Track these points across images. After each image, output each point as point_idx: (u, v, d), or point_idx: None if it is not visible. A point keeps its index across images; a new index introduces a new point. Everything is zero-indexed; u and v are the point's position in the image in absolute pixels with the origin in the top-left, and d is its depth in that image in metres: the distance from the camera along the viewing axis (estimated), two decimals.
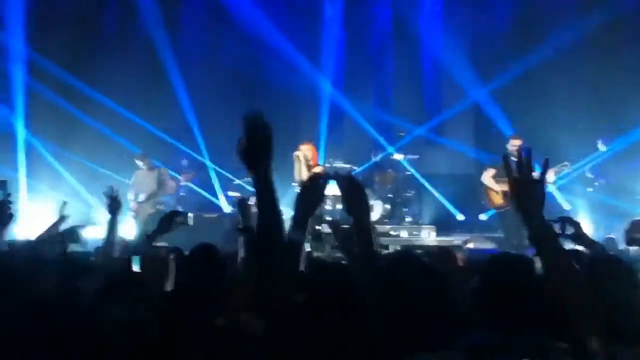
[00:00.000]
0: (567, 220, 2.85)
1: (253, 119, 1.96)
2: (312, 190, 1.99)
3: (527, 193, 1.67)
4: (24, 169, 8.68)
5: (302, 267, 1.89)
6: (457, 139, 10.47)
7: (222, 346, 1.73)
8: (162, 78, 9.94)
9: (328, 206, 7.53)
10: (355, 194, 2.07)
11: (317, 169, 7.09)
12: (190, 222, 3.40)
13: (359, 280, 1.87)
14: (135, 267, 2.99)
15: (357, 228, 2.06)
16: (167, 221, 3.21)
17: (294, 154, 7.10)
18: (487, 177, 7.24)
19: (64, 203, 3.95)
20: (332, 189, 2.09)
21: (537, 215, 1.66)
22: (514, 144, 6.92)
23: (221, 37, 10.66)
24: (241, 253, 2.94)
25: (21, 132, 8.75)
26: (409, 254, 2.28)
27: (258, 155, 1.93)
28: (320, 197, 2.01)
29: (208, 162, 10.18)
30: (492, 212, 8.10)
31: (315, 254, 4.54)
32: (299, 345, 1.50)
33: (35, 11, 8.78)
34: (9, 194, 2.94)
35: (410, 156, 9.22)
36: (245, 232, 3.06)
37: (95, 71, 9.25)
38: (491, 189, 7.20)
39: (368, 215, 2.10)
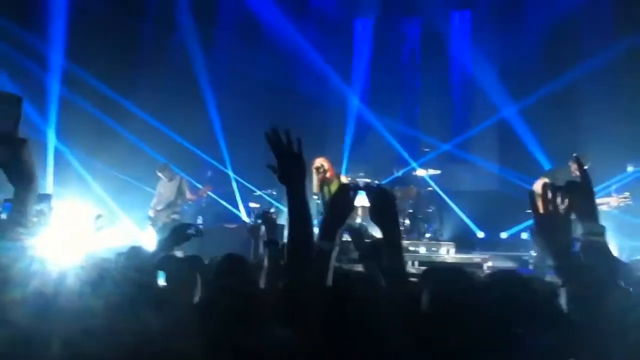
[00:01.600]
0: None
1: (275, 136, 2.02)
2: (341, 200, 1.98)
3: (552, 225, 1.67)
4: (52, 176, 8.89)
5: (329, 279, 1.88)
6: (481, 156, 10.41)
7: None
8: (193, 90, 10.19)
9: (359, 219, 7.54)
10: (385, 207, 1.99)
11: (344, 179, 7.19)
12: (201, 234, 3.39)
13: (385, 298, 1.84)
14: (161, 281, 3.02)
15: (386, 242, 1.98)
16: (179, 233, 3.21)
17: (313, 166, 7.18)
18: (540, 184, 6.75)
19: (99, 216, 3.98)
20: (362, 200, 2.05)
21: (563, 248, 1.65)
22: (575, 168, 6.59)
23: (252, 51, 10.87)
24: (266, 264, 2.96)
25: (52, 140, 8.97)
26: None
27: (291, 170, 2.00)
28: (350, 208, 2.00)
29: (231, 173, 10.31)
30: (514, 230, 7.98)
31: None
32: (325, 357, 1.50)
33: (74, 22, 9.03)
34: (52, 207, 3.04)
35: (432, 171, 9.18)
36: (270, 245, 3.08)
37: (129, 82, 9.50)
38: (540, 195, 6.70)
39: (398, 230, 2.01)
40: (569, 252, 1.68)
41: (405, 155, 9.95)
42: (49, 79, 8.99)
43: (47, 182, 8.64)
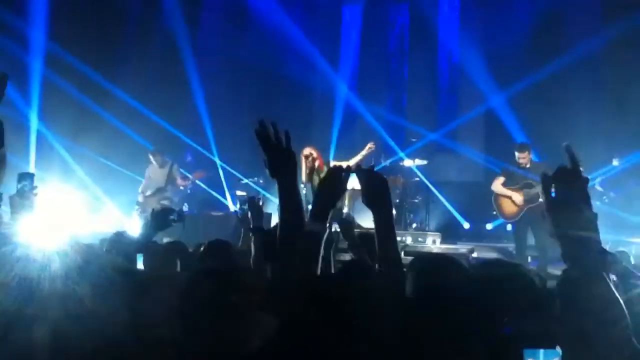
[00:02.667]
0: None
1: (264, 131, 2.00)
2: (333, 182, 1.96)
3: (564, 212, 1.65)
4: (34, 159, 8.72)
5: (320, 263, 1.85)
6: (467, 145, 10.44)
7: (235, 346, 1.71)
8: (179, 74, 10.03)
9: (345, 208, 7.53)
10: (377, 187, 1.97)
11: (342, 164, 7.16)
12: (183, 219, 3.32)
13: (378, 283, 1.82)
14: (139, 265, 2.97)
15: (378, 224, 1.94)
16: (160, 219, 3.15)
17: (303, 154, 7.15)
18: (498, 184, 7.03)
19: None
20: (350, 183, 2.03)
21: (575, 234, 1.63)
22: (521, 157, 6.80)
23: (240, 35, 10.76)
24: (253, 251, 2.93)
25: (34, 123, 8.79)
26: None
27: (281, 165, 1.98)
28: (342, 189, 1.97)
29: (217, 160, 10.22)
30: (499, 222, 8.04)
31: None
32: (313, 346, 1.48)
33: (57, 2, 8.79)
34: (35, 186, 2.95)
35: (419, 161, 9.19)
36: (256, 231, 3.05)
37: (113, 65, 9.31)
38: (502, 196, 6.97)
39: (391, 212, 1.98)
40: (579, 236, 1.65)
41: (393, 144, 9.95)
42: (31, 59, 8.75)
43: (30, 165, 8.49)
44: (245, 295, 1.95)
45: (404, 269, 2.10)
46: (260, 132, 2.02)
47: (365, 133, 10.55)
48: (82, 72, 8.95)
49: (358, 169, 2.05)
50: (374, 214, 1.96)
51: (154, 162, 8.37)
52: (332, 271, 1.91)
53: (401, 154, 9.42)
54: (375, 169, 2.14)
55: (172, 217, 3.05)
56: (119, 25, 9.98)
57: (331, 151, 9.38)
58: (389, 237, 1.95)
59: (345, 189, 2.01)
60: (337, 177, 1.97)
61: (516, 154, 6.92)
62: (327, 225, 1.91)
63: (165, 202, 8.12)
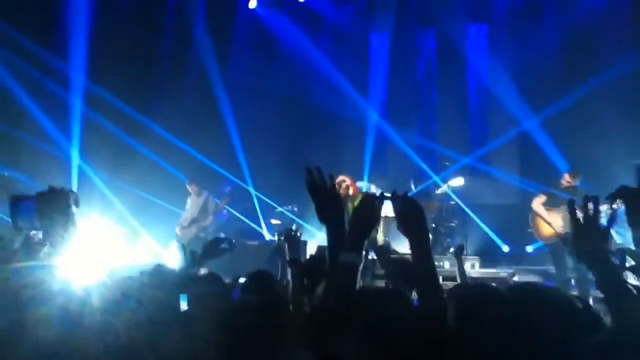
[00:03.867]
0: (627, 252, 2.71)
1: (309, 175, 1.97)
2: (367, 211, 1.92)
3: (590, 238, 1.60)
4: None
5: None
6: (502, 168, 10.29)
7: None
8: (212, 107, 10.24)
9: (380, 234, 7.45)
10: (412, 214, 1.91)
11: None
12: (234, 248, 3.34)
13: (416, 314, 1.76)
14: (183, 305, 2.96)
15: (414, 252, 1.89)
16: (212, 247, 3.17)
17: (337, 181, 7.12)
18: (538, 203, 6.88)
19: None
20: (386, 210, 1.96)
21: (603, 260, 1.58)
22: (568, 181, 6.80)
23: (270, 67, 10.95)
24: (291, 283, 2.91)
25: (75, 159, 9.07)
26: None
27: (328, 208, 1.96)
28: (376, 218, 1.94)
29: (252, 190, 10.31)
30: (539, 244, 7.83)
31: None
32: None
33: (94, 42, 9.11)
34: (75, 224, 3.04)
35: (455, 182, 9.04)
36: (293, 263, 3.03)
37: (148, 101, 9.60)
38: (541, 216, 6.83)
39: (427, 238, 1.93)
40: (608, 264, 1.61)
41: (426, 168, 9.87)
42: (72, 98, 9.10)
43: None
44: (283, 329, 1.92)
45: (444, 295, 2.05)
46: (308, 179, 1.98)
47: (397, 159, 10.51)
48: (119, 109, 9.24)
49: (392, 196, 1.99)
50: (409, 240, 1.91)
51: (191, 191, 8.52)
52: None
53: (435, 178, 9.32)
54: (409, 194, 2.09)
55: (223, 245, 3.07)
56: (153, 63, 10.31)
57: (364, 179, 9.34)
58: (426, 263, 1.89)
59: (379, 218, 1.97)
60: (371, 206, 1.93)
61: (565, 175, 6.82)
62: (363, 255, 1.86)
63: (202, 234, 8.19)
